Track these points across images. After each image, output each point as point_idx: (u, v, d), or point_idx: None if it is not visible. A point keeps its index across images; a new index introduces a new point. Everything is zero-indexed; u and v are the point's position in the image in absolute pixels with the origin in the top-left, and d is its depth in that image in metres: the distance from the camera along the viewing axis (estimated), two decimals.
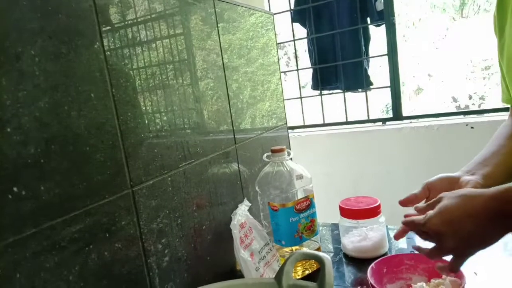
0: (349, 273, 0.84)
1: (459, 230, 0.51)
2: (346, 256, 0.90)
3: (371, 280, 0.67)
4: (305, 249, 0.56)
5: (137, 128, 0.56)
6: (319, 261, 0.50)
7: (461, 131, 1.85)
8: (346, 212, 0.88)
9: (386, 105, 3.54)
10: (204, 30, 0.75)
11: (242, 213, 0.75)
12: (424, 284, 0.66)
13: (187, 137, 0.68)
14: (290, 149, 1.10)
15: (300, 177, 0.83)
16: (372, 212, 0.87)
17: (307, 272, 0.83)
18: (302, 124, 2.33)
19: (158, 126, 0.61)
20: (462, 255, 0.53)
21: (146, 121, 0.59)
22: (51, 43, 0.44)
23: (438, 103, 4.41)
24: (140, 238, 0.55)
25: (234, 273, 0.79)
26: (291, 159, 0.86)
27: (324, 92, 2.28)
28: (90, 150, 0.48)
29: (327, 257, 0.50)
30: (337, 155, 2.09)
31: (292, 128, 2.31)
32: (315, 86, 2.29)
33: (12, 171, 0.39)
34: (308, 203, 0.83)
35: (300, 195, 0.82)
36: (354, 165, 2.03)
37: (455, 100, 4.51)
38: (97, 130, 0.49)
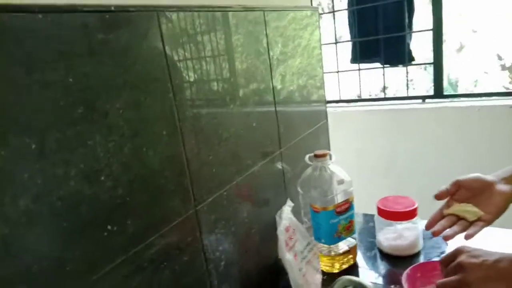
0: (383, 270, 0.91)
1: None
2: (380, 251, 0.96)
3: (405, 285, 0.73)
4: (351, 277, 0.62)
5: (199, 154, 0.62)
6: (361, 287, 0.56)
7: (504, 113, 1.79)
8: (383, 213, 0.93)
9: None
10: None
11: (286, 216, 0.81)
12: None
13: (240, 153, 0.73)
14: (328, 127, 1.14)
15: (341, 182, 0.87)
16: (409, 215, 0.91)
17: (344, 266, 0.90)
18: (338, 99, 2.32)
19: (215, 147, 0.66)
20: None
21: (206, 145, 0.64)
22: (132, 93, 0.49)
23: (481, 61, 4.14)
24: (202, 249, 0.63)
25: (278, 265, 0.87)
26: (332, 162, 0.90)
27: (363, 66, 2.23)
28: (164, 182, 0.54)
29: (370, 285, 0.56)
30: (372, 132, 2.09)
31: (328, 102, 2.31)
32: (354, 60, 2.24)
33: (106, 212, 0.46)
34: (348, 206, 0.88)
35: (340, 198, 0.87)
36: (389, 143, 2.03)
37: (499, 58, 4.23)
38: (169, 163, 0.55)
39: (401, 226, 0.93)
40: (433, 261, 0.81)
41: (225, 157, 0.69)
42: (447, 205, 0.70)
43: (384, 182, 1.93)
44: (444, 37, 1.97)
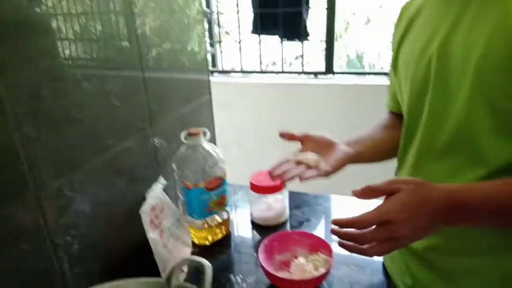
0: (254, 239, 0.98)
1: (417, 219, 0.51)
2: (253, 222, 1.03)
3: (260, 256, 0.80)
4: (193, 257, 0.66)
5: (40, 138, 0.58)
6: (201, 267, 0.60)
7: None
8: (254, 188, 0.99)
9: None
10: None
11: (154, 194, 0.82)
12: (303, 259, 0.81)
13: (97, 133, 0.71)
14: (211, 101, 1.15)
15: (213, 159, 0.90)
16: (277, 188, 0.99)
17: (217, 237, 0.95)
18: (240, 69, 2.34)
19: (64, 129, 0.63)
20: (403, 244, 0.54)
21: (50, 128, 0.60)
22: None
23: (383, 36, 4.44)
24: (47, 235, 0.61)
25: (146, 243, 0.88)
26: (208, 140, 0.92)
27: (263, 39, 2.26)
28: None
29: (208, 264, 0.61)
30: (268, 104, 2.17)
31: (226, 72, 2.32)
32: (254, 31, 2.26)
33: None
34: (219, 182, 0.92)
35: (212, 175, 0.90)
36: (284, 116, 2.14)
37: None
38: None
39: (270, 198, 1.01)
40: (289, 232, 0.91)
41: (77, 139, 0.66)
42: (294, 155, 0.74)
43: (277, 154, 2.04)
44: (338, 15, 2.07)
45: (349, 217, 0.52)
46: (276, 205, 1.01)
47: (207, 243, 0.94)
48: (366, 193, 0.54)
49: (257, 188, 0.99)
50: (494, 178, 0.55)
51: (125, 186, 0.82)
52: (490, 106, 0.53)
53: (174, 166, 0.91)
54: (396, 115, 0.82)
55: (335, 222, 0.54)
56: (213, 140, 1.18)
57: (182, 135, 0.91)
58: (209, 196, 0.91)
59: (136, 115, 0.84)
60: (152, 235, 0.78)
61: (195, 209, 0.91)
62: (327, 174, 0.67)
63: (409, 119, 0.69)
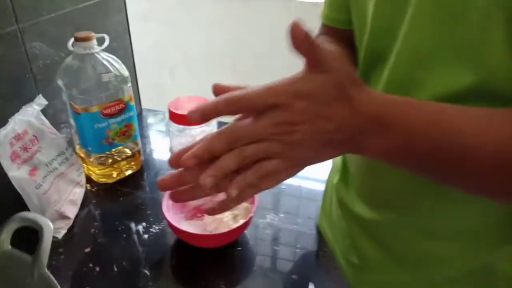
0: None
1: (320, 119, 0.32)
2: None
3: (165, 200, 0.63)
4: (27, 214, 0.47)
5: None
6: (38, 228, 0.42)
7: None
8: (175, 118, 0.79)
9: None
10: None
11: (22, 119, 0.60)
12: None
13: None
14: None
15: (110, 76, 0.68)
16: None
17: (124, 174, 0.77)
18: None
19: None
20: (294, 157, 0.34)
21: None
22: None
23: None
24: None
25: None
26: (102, 48, 0.68)
27: None
28: None
29: (47, 223, 0.42)
30: (218, 21, 1.88)
31: None
32: None
33: None
34: (122, 107, 0.71)
35: (111, 97, 0.69)
36: (235, 36, 1.87)
37: None
38: None
39: (195, 131, 0.82)
40: None
41: None
42: None
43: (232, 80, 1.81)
44: None
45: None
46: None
47: (109, 181, 0.76)
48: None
49: (177, 118, 0.79)
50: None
51: None
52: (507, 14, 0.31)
53: (60, 83, 0.69)
54: (339, 34, 0.52)
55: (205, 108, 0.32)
56: (128, 58, 0.94)
57: (70, 42, 0.67)
58: (107, 124, 0.70)
59: None
60: (16, 173, 0.58)
61: (89, 140, 0.71)
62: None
63: (372, 43, 0.43)
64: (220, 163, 0.32)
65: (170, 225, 0.60)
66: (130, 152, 0.77)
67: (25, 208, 0.60)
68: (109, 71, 0.67)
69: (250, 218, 0.60)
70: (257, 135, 0.32)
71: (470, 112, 0.32)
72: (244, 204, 0.64)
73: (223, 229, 0.62)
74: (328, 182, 0.65)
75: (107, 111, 0.69)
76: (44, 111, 0.67)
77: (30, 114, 0.62)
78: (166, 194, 0.64)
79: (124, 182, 0.76)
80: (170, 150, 0.85)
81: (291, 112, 0.31)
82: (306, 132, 0.32)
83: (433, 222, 0.43)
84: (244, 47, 1.89)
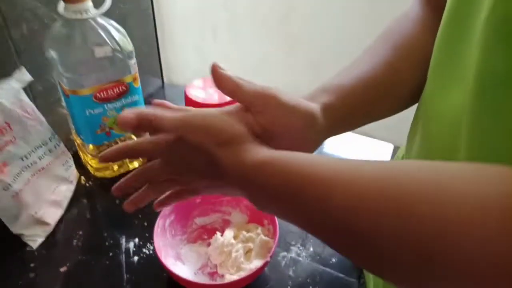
0: None
1: (193, 156, 0.32)
2: None
3: (161, 218, 0.49)
4: None
5: None
6: None
7: None
8: (191, 104, 0.63)
9: None
10: None
11: None
12: (231, 234, 0.50)
13: None
14: None
15: (107, 50, 0.52)
16: (223, 106, 0.63)
17: (128, 168, 0.64)
18: None
19: None
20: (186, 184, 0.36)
21: None
22: None
23: None
24: None
25: None
26: (100, 12, 0.53)
27: None
28: None
29: None
30: None
31: None
32: None
33: None
34: (123, 90, 0.56)
35: (108, 76, 0.54)
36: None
37: None
38: None
39: None
40: None
41: None
42: None
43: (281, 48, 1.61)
44: None
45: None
46: None
47: (107, 175, 0.63)
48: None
49: (193, 105, 0.63)
50: None
51: None
52: None
53: (49, 55, 0.55)
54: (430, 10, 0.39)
55: None
56: (147, 24, 0.79)
57: (61, 7, 0.52)
58: (102, 110, 0.56)
59: None
60: None
61: (81, 128, 0.57)
62: None
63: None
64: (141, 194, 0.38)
65: (158, 258, 0.45)
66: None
67: None
68: (104, 44, 0.52)
69: (265, 264, 0.44)
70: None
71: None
72: (262, 236, 0.49)
73: (229, 268, 0.47)
74: None
75: (102, 94, 0.54)
76: (32, 88, 0.54)
77: (3, 94, 0.49)
78: (166, 209, 0.50)
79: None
80: None
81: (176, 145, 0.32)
82: (182, 166, 0.33)
83: None
84: (293, 8, 1.66)
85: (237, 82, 0.32)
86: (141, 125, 0.32)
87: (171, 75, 0.94)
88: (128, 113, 0.32)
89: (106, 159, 0.35)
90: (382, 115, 0.38)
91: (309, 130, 0.33)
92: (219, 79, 0.32)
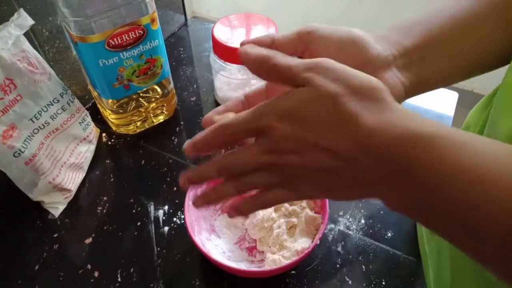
0: None
1: (311, 146, 0.23)
2: (218, 103, 0.62)
3: (198, 190, 0.42)
4: None
5: None
6: None
7: None
8: (219, 49, 0.53)
9: None
10: None
11: None
12: (273, 214, 0.43)
13: None
14: None
15: None
16: None
17: (149, 125, 0.57)
18: None
19: None
20: (296, 188, 0.26)
21: None
22: None
23: None
24: None
25: None
26: None
27: None
28: None
29: None
30: None
31: None
32: None
33: None
34: (140, 34, 0.47)
35: (123, 19, 0.45)
36: None
37: None
38: None
39: (244, 77, 0.56)
40: None
41: None
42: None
43: None
44: None
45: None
46: (255, 81, 0.57)
47: (130, 132, 0.57)
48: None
49: (222, 51, 0.53)
50: None
51: None
52: None
53: None
54: None
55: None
56: None
57: None
58: (117, 59, 0.47)
59: None
60: None
61: (96, 81, 0.49)
62: None
63: None
64: (219, 191, 0.28)
65: (189, 234, 0.39)
66: (160, 91, 0.56)
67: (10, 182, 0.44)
68: None
69: (314, 247, 0.38)
70: (247, 165, 0.25)
71: None
72: (308, 211, 0.42)
73: (270, 245, 0.41)
74: None
75: (115, 41, 0.45)
76: (36, 34, 0.46)
77: (0, 44, 0.41)
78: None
79: (149, 135, 0.57)
80: (215, 93, 0.62)
81: (274, 137, 0.24)
82: (293, 164, 0.24)
83: None
84: None
85: (270, 36, 0.27)
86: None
87: (194, 7, 0.82)
88: (199, 137, 0.26)
89: (199, 150, 0.27)
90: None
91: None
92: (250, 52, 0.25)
